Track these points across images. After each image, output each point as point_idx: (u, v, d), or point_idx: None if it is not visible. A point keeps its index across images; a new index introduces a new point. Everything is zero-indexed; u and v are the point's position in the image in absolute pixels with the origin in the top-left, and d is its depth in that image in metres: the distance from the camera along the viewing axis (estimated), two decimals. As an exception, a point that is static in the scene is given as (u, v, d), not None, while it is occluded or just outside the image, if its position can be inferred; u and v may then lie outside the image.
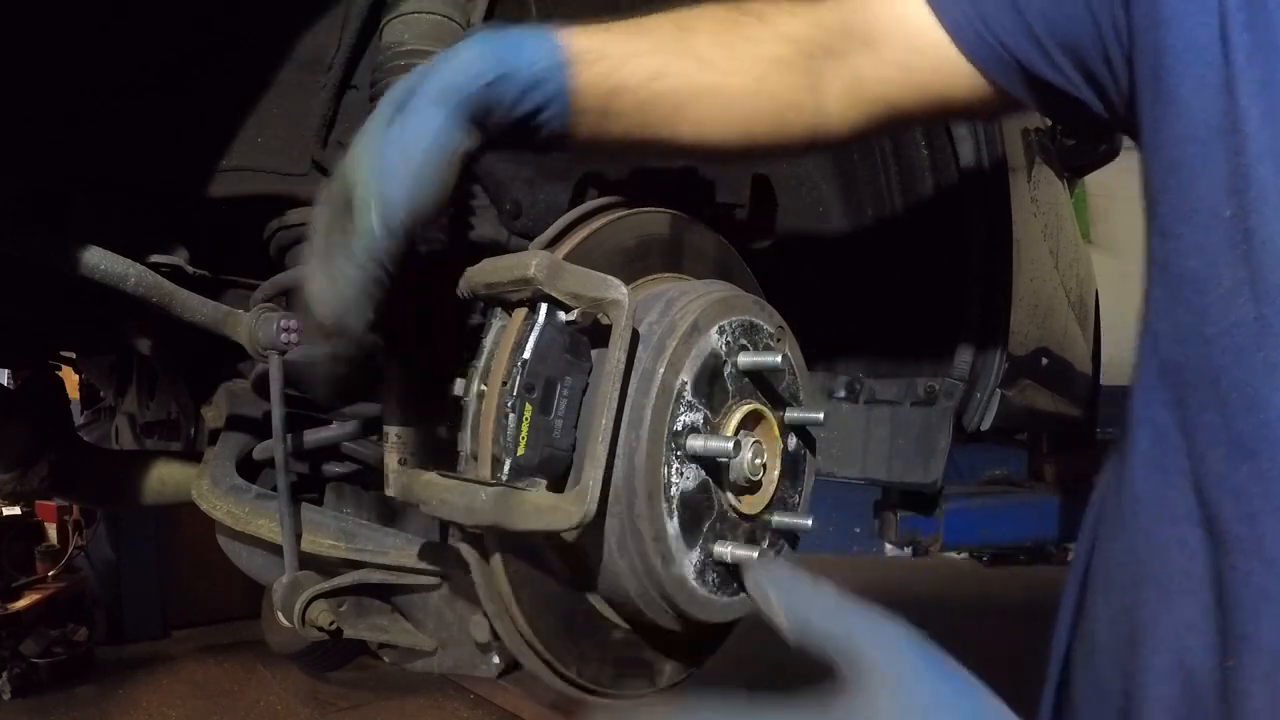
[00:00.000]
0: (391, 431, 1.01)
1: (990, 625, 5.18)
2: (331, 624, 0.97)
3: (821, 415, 1.02)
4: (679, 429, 0.88)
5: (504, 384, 0.81)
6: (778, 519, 1.02)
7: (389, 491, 0.91)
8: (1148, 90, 0.69)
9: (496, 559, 0.86)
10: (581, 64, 0.74)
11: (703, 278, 1.05)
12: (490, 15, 1.15)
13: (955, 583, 6.39)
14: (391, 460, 1.01)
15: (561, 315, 0.83)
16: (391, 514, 1.18)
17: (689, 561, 0.90)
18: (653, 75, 0.77)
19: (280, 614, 0.98)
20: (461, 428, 0.87)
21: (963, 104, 0.84)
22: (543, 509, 0.76)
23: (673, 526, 0.88)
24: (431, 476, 0.84)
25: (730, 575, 0.96)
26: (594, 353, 0.86)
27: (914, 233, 1.34)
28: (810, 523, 1.01)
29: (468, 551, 0.88)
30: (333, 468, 1.25)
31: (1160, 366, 0.71)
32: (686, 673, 1.08)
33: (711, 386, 0.92)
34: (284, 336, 0.98)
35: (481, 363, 0.86)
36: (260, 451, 1.23)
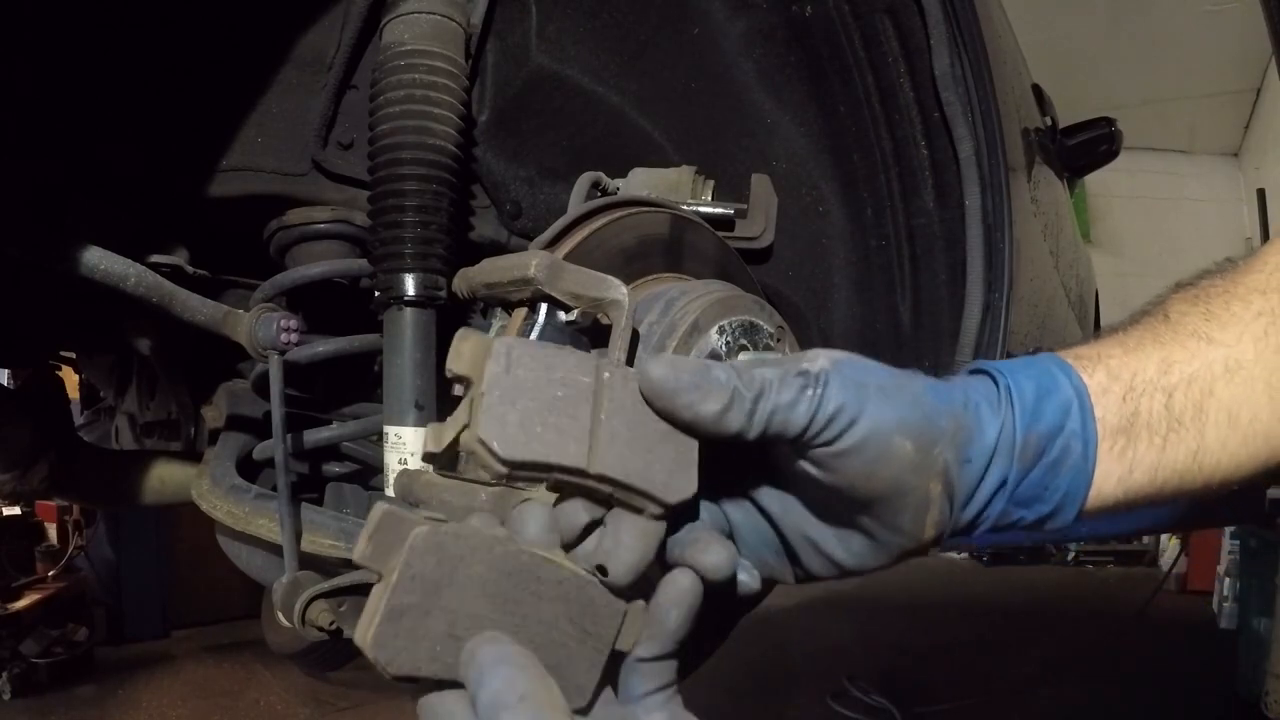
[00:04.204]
0: (391, 431, 1.01)
1: (990, 625, 5.18)
2: (331, 624, 0.97)
3: (821, 415, 1.02)
4: (679, 429, 0.87)
5: (504, 384, 0.81)
6: (778, 519, 1.01)
7: (389, 491, 0.91)
8: None
9: (496, 559, 0.86)
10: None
11: (703, 278, 1.05)
12: (490, 15, 1.15)
13: (955, 583, 6.39)
14: (391, 460, 1.01)
15: (561, 315, 0.83)
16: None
17: (689, 561, 0.90)
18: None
19: (280, 614, 0.98)
20: (461, 428, 0.86)
21: None
22: (542, 509, 0.75)
23: (673, 526, 0.87)
24: (431, 476, 0.84)
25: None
26: (594, 352, 0.86)
27: (913, 233, 1.34)
28: (810, 523, 1.01)
29: (468, 551, 0.87)
30: (333, 468, 1.25)
31: None
32: (686, 673, 1.08)
33: (711, 386, 0.92)
34: (284, 336, 0.97)
35: (481, 363, 0.85)
36: (260, 451, 1.23)
